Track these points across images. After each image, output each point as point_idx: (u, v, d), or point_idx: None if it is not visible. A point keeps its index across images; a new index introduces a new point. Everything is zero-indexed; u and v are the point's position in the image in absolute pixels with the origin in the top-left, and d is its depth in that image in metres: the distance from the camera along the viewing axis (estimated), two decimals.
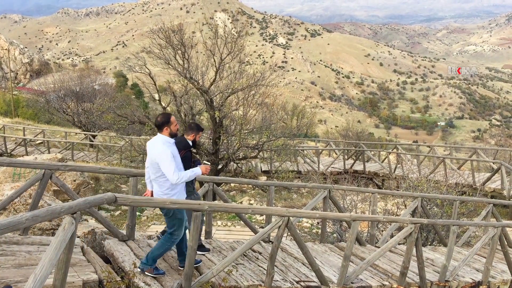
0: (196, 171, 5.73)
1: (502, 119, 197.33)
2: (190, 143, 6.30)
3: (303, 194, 18.38)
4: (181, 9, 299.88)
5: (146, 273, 5.59)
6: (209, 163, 6.33)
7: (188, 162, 6.09)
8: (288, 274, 6.51)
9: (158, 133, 5.75)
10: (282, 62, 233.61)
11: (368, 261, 6.82)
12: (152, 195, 5.90)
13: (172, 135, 5.75)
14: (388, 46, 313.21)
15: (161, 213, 13.65)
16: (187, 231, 5.73)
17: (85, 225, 8.17)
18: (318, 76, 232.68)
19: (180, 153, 6.02)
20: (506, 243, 8.66)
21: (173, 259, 6.32)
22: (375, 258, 6.94)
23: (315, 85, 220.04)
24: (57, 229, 4.10)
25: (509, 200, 15.19)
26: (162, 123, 5.68)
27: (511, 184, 16.27)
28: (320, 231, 9.10)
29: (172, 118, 5.79)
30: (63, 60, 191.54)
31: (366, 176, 21.55)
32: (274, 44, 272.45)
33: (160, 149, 5.50)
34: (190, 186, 6.35)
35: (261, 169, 20.89)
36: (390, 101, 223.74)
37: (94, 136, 27.87)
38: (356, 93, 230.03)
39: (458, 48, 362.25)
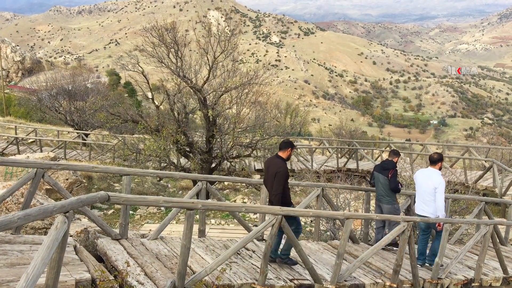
0: (444, 212, 7.64)
1: (494, 117, 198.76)
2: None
3: (297, 192, 18.37)
4: (174, 7, 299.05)
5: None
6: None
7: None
8: (282, 272, 6.51)
9: (429, 166, 7.59)
10: (276, 60, 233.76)
11: (361, 259, 6.84)
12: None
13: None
14: (381, 44, 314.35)
15: (155, 211, 13.62)
16: None
17: (78, 224, 8.12)
18: (312, 75, 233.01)
19: (390, 172, 7.92)
20: (498, 240, 8.71)
21: (166, 258, 6.31)
22: (368, 256, 6.97)
23: (309, 84, 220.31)
24: (50, 228, 4.08)
25: (501, 198, 15.28)
26: (437, 160, 7.45)
27: (503, 182, 16.37)
28: (313, 229, 9.11)
29: (442, 157, 7.64)
30: (55, 58, 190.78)
31: (359, 175, 21.58)
32: (267, 43, 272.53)
33: (439, 180, 7.39)
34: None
35: (254, 167, 20.87)
36: (383, 100, 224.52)
37: (86, 135, 27.70)
38: (350, 92, 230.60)
39: (450, 46, 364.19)
